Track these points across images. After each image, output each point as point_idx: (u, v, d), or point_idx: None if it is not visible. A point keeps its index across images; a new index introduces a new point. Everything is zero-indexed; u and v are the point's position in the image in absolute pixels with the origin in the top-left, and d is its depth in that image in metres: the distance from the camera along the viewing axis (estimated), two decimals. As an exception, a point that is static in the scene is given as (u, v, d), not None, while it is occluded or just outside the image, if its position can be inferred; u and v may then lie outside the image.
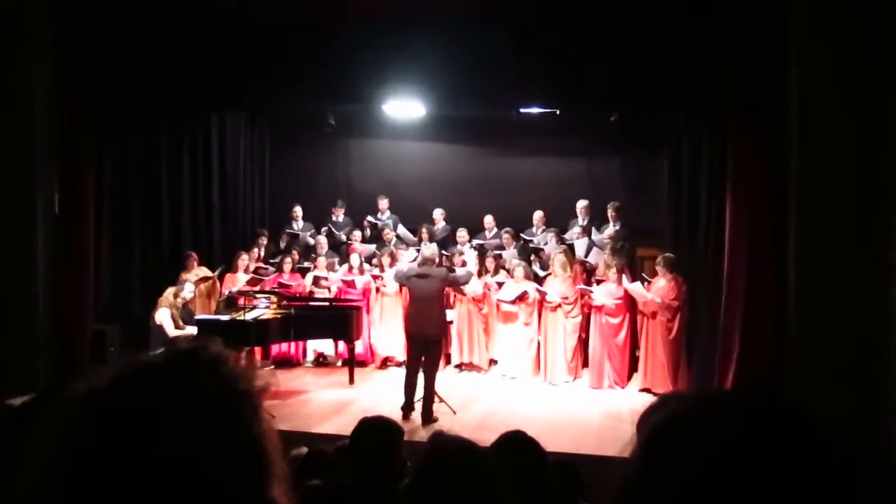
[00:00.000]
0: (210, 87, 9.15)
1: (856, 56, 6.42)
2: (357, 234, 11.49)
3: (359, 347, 10.06)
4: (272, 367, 10.10)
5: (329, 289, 10.59)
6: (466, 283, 9.31)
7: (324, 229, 11.60)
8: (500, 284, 10.01)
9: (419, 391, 7.88)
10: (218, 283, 10.52)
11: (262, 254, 11.10)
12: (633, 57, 7.93)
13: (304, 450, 4.06)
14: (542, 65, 8.23)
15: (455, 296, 10.03)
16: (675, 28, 7.73)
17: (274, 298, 9.59)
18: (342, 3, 8.12)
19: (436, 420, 7.74)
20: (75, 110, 8.65)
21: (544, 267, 10.22)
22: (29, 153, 8.23)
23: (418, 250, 10.46)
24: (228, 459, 0.90)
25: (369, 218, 11.85)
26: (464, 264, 10.19)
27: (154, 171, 10.59)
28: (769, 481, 0.79)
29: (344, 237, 11.57)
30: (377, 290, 10.51)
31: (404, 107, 10.58)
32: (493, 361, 10.22)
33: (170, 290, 9.31)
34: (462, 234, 11.06)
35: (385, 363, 10.44)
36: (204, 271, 10.49)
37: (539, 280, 10.00)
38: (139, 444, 0.86)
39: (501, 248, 10.77)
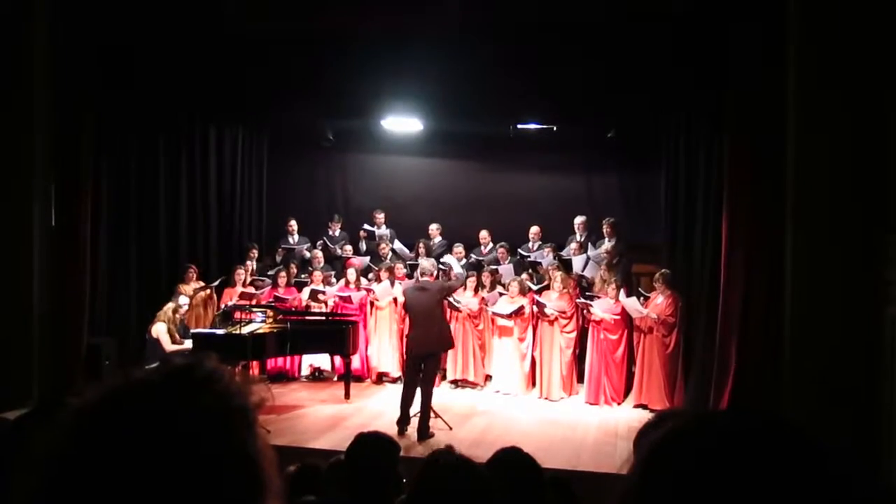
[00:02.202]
0: (209, 99, 9.18)
1: (853, 74, 6.46)
2: (349, 248, 11.47)
3: (355, 362, 10.03)
4: (267, 381, 10.06)
5: (326, 303, 10.58)
6: (462, 283, 9.28)
7: (319, 243, 11.60)
8: (499, 295, 10.00)
9: (415, 406, 7.86)
10: (215, 295, 10.51)
11: (254, 267, 11.09)
12: (631, 75, 7.98)
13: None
14: (539, 82, 8.27)
15: (451, 312, 10.02)
16: (673, 47, 7.78)
17: (270, 312, 9.58)
18: (342, 19, 8.16)
19: (432, 436, 7.71)
20: (74, 122, 8.66)
21: (540, 282, 10.22)
22: (27, 165, 8.24)
23: (413, 266, 10.47)
24: (223, 476, 0.89)
25: (366, 226, 11.86)
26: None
27: (152, 183, 10.58)
28: (767, 502, 0.79)
29: (339, 251, 11.57)
30: (371, 304, 10.50)
31: (402, 122, 10.62)
32: (488, 377, 10.20)
33: (169, 306, 9.30)
34: (458, 249, 11.06)
35: (380, 378, 10.41)
36: (202, 285, 10.48)
37: (535, 292, 9.98)
38: (134, 460, 0.85)
39: (497, 262, 10.77)
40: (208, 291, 10.48)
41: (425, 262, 8.62)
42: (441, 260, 10.17)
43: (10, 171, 8.22)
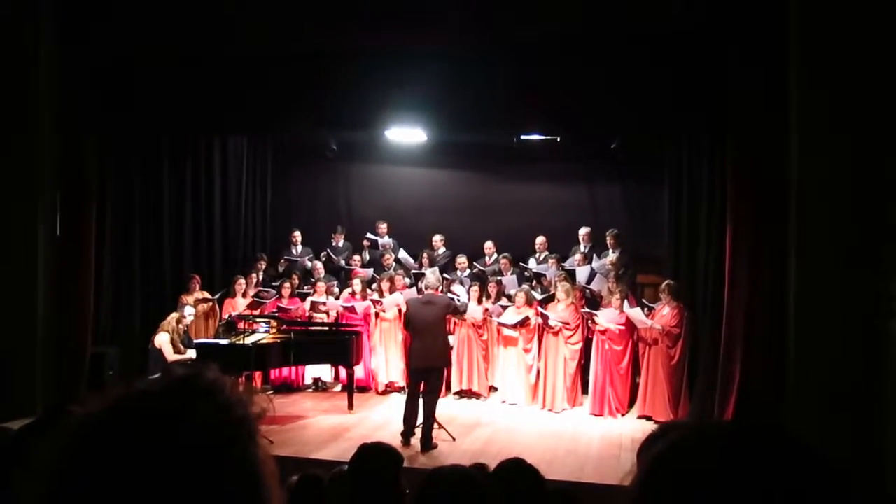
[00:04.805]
0: (213, 113, 9.21)
1: (854, 86, 6.48)
2: (357, 258, 11.50)
3: (359, 372, 10.02)
4: (270, 391, 10.07)
5: (327, 314, 10.57)
6: (465, 312, 9.34)
7: (322, 255, 11.62)
8: (503, 308, 9.99)
9: (419, 417, 7.85)
10: (217, 307, 10.52)
11: (261, 278, 11.11)
12: (633, 87, 7.98)
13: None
14: (542, 93, 8.29)
15: (455, 321, 10.01)
16: (674, 60, 7.80)
17: (273, 323, 9.58)
18: (346, 32, 8.20)
19: (435, 447, 7.69)
20: (79, 133, 8.70)
21: (544, 292, 10.21)
22: (32, 176, 8.28)
23: (417, 275, 10.47)
24: (225, 487, 0.89)
25: (369, 235, 11.88)
26: (467, 287, 10.22)
27: (156, 194, 10.61)
28: None
29: (343, 262, 11.58)
30: (376, 315, 10.49)
31: (406, 133, 10.64)
32: (492, 388, 10.17)
33: (173, 316, 9.31)
34: (462, 259, 11.07)
35: (385, 389, 10.39)
36: (206, 295, 10.49)
37: (539, 303, 9.95)
38: (135, 471, 0.85)
39: (500, 273, 10.77)
40: (210, 304, 10.49)
41: (431, 277, 8.61)
42: (451, 288, 10.19)
43: (16, 181, 8.26)
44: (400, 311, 10.18)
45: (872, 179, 6.39)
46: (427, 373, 7.91)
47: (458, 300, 9.60)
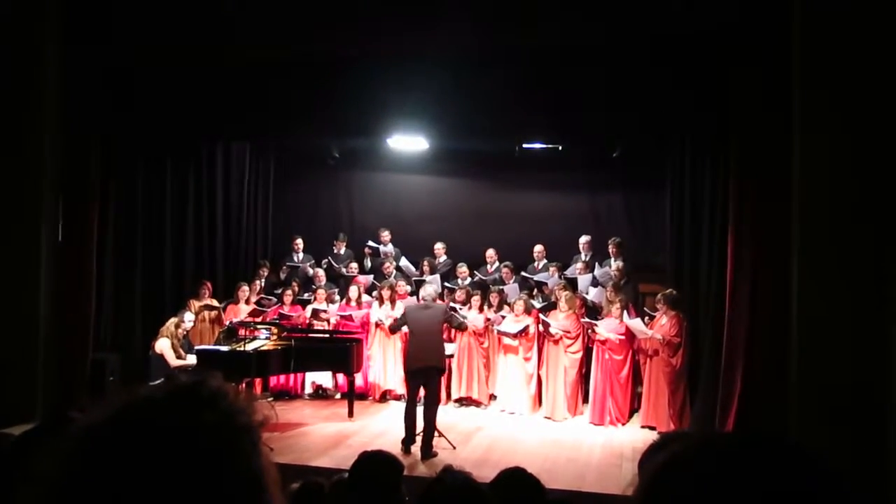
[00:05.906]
0: (215, 118, 9.23)
1: (856, 86, 6.48)
2: (354, 265, 11.49)
3: (359, 380, 10.01)
4: (271, 398, 10.06)
5: (329, 321, 10.57)
6: (460, 327, 9.17)
7: (324, 262, 11.62)
8: (503, 317, 9.99)
9: (419, 425, 7.84)
10: (223, 314, 10.51)
11: (263, 285, 11.11)
12: (634, 96, 8.00)
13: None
14: (545, 102, 8.30)
15: (455, 330, 10.00)
16: (675, 68, 7.81)
17: (274, 330, 9.57)
18: (348, 39, 8.22)
19: (435, 455, 7.67)
20: (82, 139, 8.72)
21: (545, 300, 10.21)
22: (35, 177, 8.28)
23: (419, 282, 10.47)
24: (227, 494, 0.89)
25: (370, 243, 11.88)
26: (469, 296, 10.18)
27: (158, 201, 10.60)
28: None
29: (344, 270, 11.59)
30: (376, 324, 10.48)
31: (408, 140, 10.66)
32: (493, 396, 10.16)
33: (171, 321, 9.30)
34: (462, 268, 11.07)
35: (384, 396, 10.38)
36: (213, 302, 10.49)
37: (540, 311, 9.94)
38: (137, 479, 0.85)
39: (501, 282, 10.77)
40: (215, 311, 10.48)
41: (429, 288, 8.62)
42: (460, 311, 10.03)
43: (18, 182, 8.27)
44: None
45: (875, 181, 6.38)
46: (425, 375, 7.90)
47: (460, 314, 9.56)
